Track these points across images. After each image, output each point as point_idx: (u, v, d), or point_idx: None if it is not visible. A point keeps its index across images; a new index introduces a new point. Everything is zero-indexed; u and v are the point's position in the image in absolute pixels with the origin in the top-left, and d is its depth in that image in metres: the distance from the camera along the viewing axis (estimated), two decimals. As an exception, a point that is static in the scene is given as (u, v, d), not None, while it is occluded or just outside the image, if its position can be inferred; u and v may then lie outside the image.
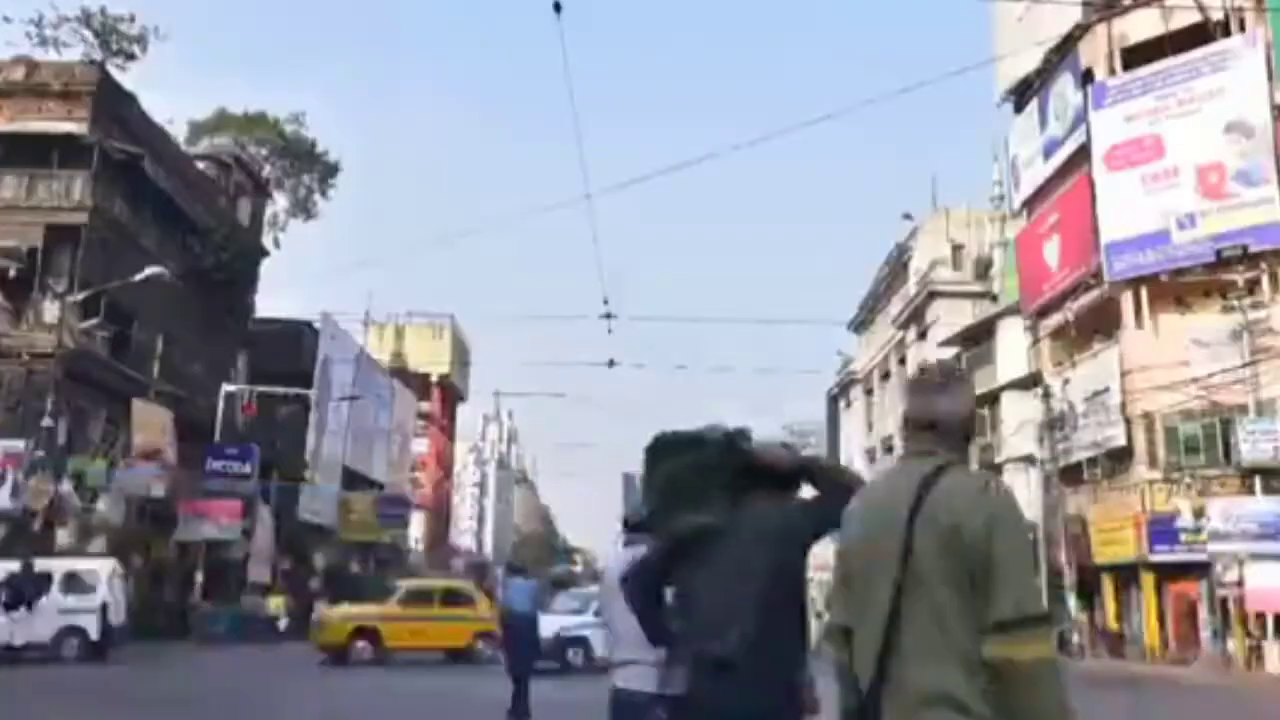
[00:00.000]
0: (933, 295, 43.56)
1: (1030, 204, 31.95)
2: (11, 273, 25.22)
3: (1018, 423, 33.39)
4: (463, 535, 72.40)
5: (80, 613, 17.45)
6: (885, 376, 52.27)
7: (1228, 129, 24.57)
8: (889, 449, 50.69)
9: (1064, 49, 29.14)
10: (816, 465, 2.83)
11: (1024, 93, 31.88)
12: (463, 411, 71.52)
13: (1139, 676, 20.07)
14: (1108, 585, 26.72)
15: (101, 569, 18.60)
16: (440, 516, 62.68)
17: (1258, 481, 23.07)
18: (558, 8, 10.77)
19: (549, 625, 14.26)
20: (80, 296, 24.43)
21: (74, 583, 17.79)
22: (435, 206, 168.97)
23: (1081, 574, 27.05)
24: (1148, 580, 25.11)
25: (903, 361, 47.98)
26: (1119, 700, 15.83)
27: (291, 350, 36.17)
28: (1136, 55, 26.96)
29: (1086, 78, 28.08)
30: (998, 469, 35.99)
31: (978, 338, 38.01)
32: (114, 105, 27.25)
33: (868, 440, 55.27)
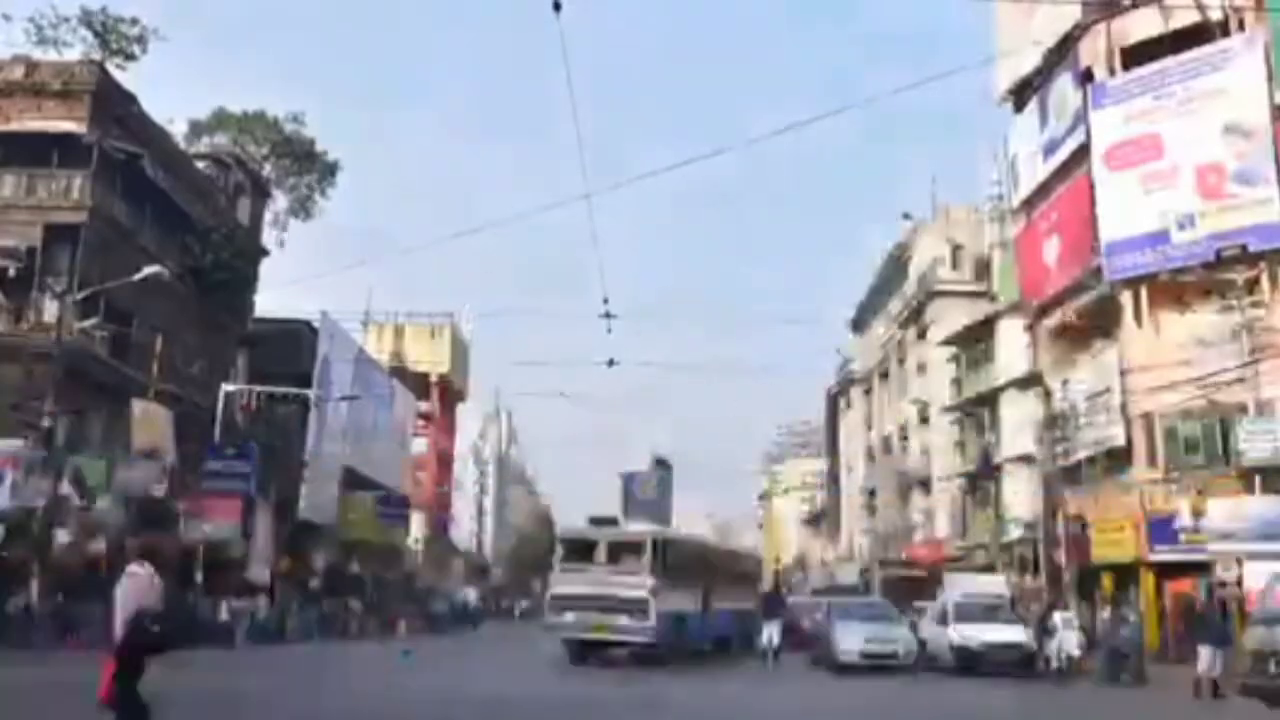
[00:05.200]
0: (932, 295, 43.59)
1: (1030, 203, 31.94)
2: (11, 272, 25.22)
3: (1017, 422, 33.43)
4: (462, 535, 72.29)
5: None
6: (885, 376, 52.29)
7: (1227, 129, 24.54)
8: (887, 448, 50.73)
9: (1064, 48, 29.14)
10: None
11: (1024, 92, 31.87)
12: (463, 411, 71.45)
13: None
14: (1107, 585, 26.71)
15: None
16: (440, 516, 62.65)
17: (1257, 481, 23.07)
18: (557, 7, 10.78)
19: None
20: (80, 296, 24.43)
21: None
22: (435, 206, 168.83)
23: (1081, 573, 27.04)
24: (1147, 579, 25.11)
25: (902, 361, 48.00)
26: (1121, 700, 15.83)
27: (291, 350, 36.16)
28: (1136, 55, 26.95)
29: (1086, 77, 28.07)
30: (997, 469, 36.11)
31: (977, 337, 38.02)
32: (113, 105, 27.24)
33: (867, 439, 55.31)
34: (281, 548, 34.30)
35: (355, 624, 36.19)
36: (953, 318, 40.55)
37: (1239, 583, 21.86)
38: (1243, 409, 23.54)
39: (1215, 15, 25.23)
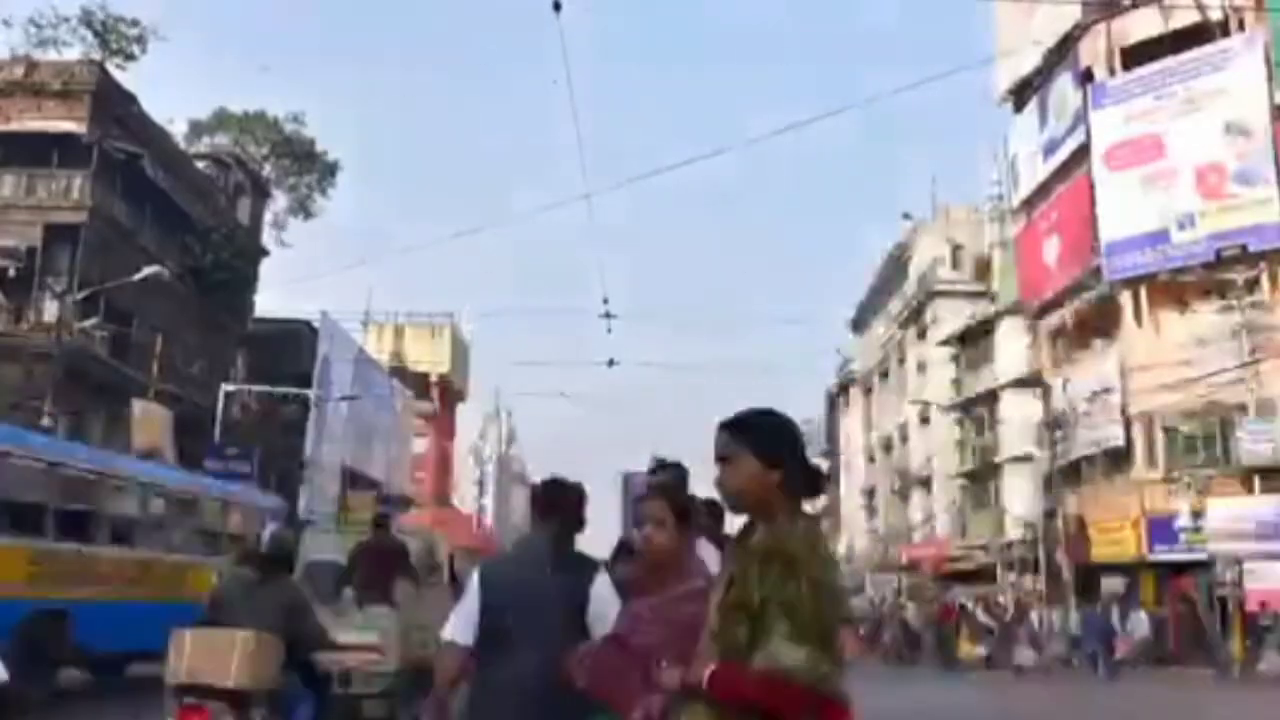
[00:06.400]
0: (932, 295, 43.56)
1: (1030, 203, 31.96)
2: (11, 272, 25.21)
3: (1017, 422, 33.43)
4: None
5: None
6: (885, 376, 52.25)
7: (1227, 129, 24.57)
8: (887, 448, 50.71)
9: (1064, 48, 29.14)
10: None
11: (1024, 92, 31.88)
12: (463, 411, 71.39)
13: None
14: (1107, 585, 26.72)
15: None
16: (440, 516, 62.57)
17: (1257, 481, 23.07)
18: (557, 7, 10.77)
19: None
20: (80, 296, 24.42)
21: None
22: (434, 206, 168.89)
23: (1081, 574, 27.06)
24: (1147, 580, 25.11)
25: (902, 361, 47.97)
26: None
27: (291, 350, 36.11)
28: (1136, 55, 26.97)
29: (1086, 77, 28.09)
30: (997, 469, 36.11)
31: (977, 337, 38.02)
32: (113, 105, 27.22)
33: (867, 439, 55.27)
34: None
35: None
36: (953, 318, 40.55)
37: (1239, 583, 21.89)
38: (1243, 409, 23.55)
39: (1215, 15, 25.24)
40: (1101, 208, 26.81)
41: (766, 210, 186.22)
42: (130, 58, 32.60)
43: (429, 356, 60.34)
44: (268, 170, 41.35)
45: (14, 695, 7.50)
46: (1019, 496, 33.30)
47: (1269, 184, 23.91)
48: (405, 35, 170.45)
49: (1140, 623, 23.39)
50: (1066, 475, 28.49)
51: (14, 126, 26.11)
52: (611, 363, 25.15)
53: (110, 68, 28.94)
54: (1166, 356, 24.44)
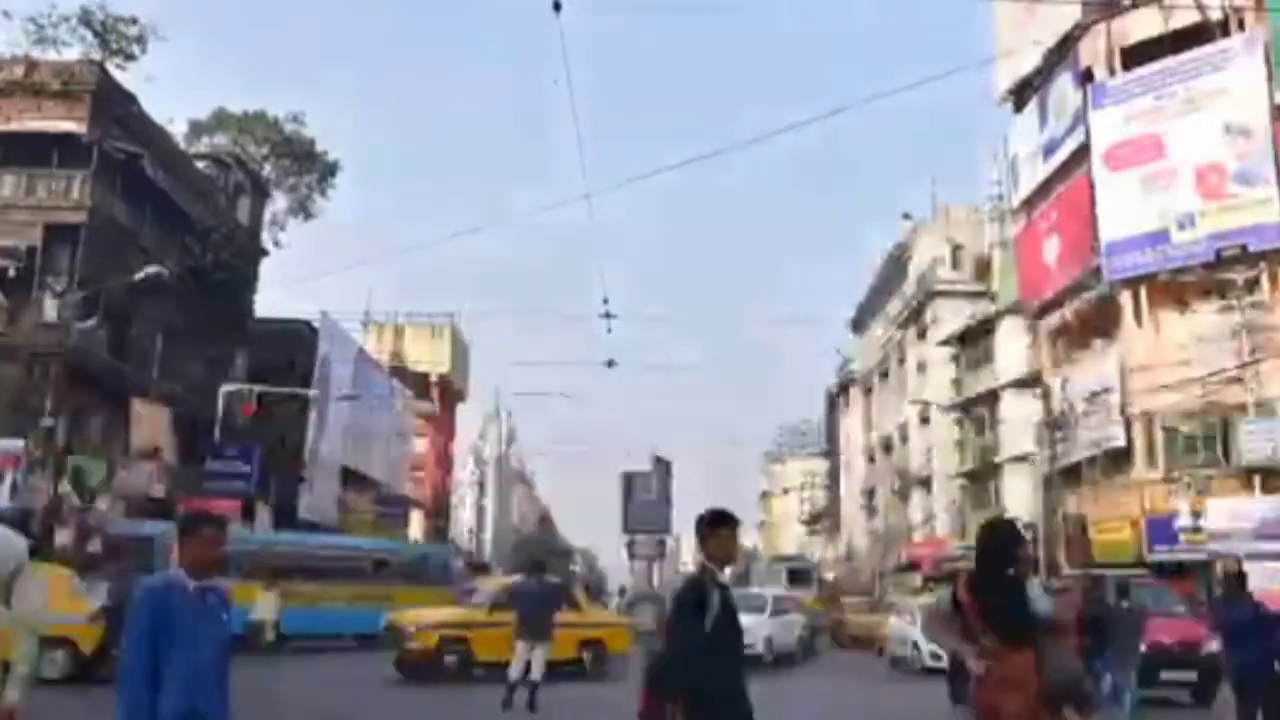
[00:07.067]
0: (932, 295, 43.58)
1: (1030, 203, 31.95)
2: (11, 272, 25.22)
3: (1017, 422, 33.45)
4: (462, 535, 72.30)
5: None
6: (884, 376, 52.26)
7: (1227, 129, 24.56)
8: (887, 448, 50.71)
9: (1064, 48, 29.14)
10: None
11: (1024, 92, 31.88)
12: (463, 411, 71.46)
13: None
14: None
15: None
16: (440, 516, 62.63)
17: (1257, 481, 23.07)
18: (557, 7, 10.78)
19: None
20: (80, 296, 24.43)
21: None
22: (434, 206, 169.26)
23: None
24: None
25: (902, 361, 47.98)
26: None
27: (291, 350, 36.14)
28: (1136, 55, 26.96)
29: (1086, 77, 28.08)
30: (997, 469, 36.12)
31: (977, 337, 38.04)
32: (113, 105, 27.22)
33: (867, 439, 55.28)
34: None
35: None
36: (953, 318, 40.57)
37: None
38: (1243, 409, 23.56)
39: (1215, 15, 25.24)
40: (1101, 208, 26.80)
41: (767, 210, 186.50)
42: (130, 58, 32.57)
43: (429, 356, 60.41)
44: (267, 170, 41.35)
45: None
46: (1019, 496, 33.31)
47: (1269, 184, 23.90)
48: (405, 36, 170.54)
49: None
50: (1066, 475, 28.49)
51: (14, 126, 26.11)
52: (611, 363, 25.24)
53: (110, 68, 28.93)
54: (1166, 356, 24.45)
